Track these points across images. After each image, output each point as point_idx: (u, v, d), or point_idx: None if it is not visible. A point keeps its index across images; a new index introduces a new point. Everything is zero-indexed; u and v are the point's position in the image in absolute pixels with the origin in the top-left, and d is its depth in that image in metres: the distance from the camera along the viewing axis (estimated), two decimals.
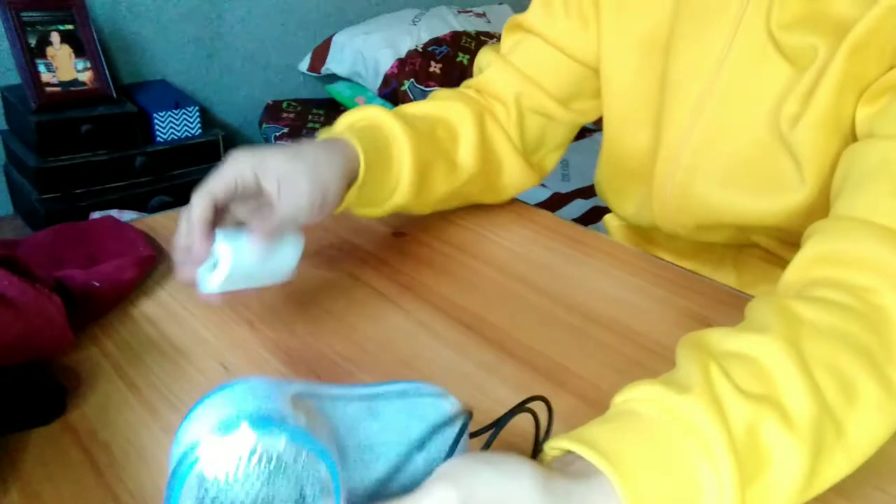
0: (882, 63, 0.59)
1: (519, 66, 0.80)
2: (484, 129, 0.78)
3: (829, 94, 0.61)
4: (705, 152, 0.72)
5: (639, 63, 0.74)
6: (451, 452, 0.39)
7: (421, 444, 0.38)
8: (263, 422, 0.34)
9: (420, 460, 0.40)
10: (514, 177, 0.83)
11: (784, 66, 0.65)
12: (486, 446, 0.40)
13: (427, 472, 0.37)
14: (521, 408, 0.41)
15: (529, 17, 0.81)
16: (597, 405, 0.56)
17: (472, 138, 0.77)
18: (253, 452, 0.34)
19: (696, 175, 0.73)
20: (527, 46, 0.81)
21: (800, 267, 0.53)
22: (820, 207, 0.58)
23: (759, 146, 0.68)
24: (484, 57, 0.85)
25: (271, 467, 0.34)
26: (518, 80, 0.80)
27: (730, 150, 0.70)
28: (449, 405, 0.43)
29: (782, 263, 0.55)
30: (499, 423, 0.40)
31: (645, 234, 0.88)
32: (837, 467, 0.43)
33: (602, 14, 0.75)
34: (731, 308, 0.69)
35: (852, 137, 0.62)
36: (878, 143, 0.57)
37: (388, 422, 0.41)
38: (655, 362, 0.62)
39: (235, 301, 0.67)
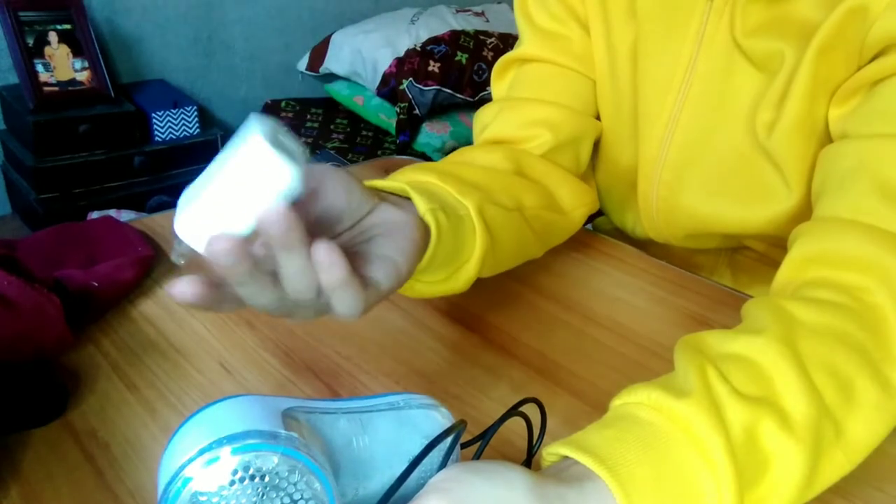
0: (849, 63, 0.59)
1: (528, 95, 0.75)
2: (510, 156, 0.68)
3: (800, 99, 0.61)
4: (685, 166, 0.72)
5: (617, 79, 0.74)
6: (443, 464, 0.39)
7: (416, 461, 0.38)
8: (255, 438, 0.34)
9: (413, 473, 0.40)
10: (573, 195, 0.72)
11: (753, 73, 0.64)
12: (478, 455, 0.40)
13: (419, 485, 0.37)
14: (512, 413, 0.41)
15: (523, 49, 0.76)
16: (595, 405, 0.56)
17: (504, 165, 0.66)
18: (246, 469, 0.34)
19: (679, 189, 0.73)
20: (528, 73, 0.76)
21: (791, 269, 0.54)
22: (810, 212, 0.59)
23: (739, 156, 0.68)
24: (484, 113, 0.76)
25: (265, 483, 0.34)
26: (533, 108, 0.73)
27: (710, 162, 0.70)
28: (440, 416, 0.43)
29: (777, 265, 0.55)
30: (489, 431, 0.40)
31: (638, 245, 0.88)
32: (837, 467, 0.43)
33: (590, 24, 0.74)
34: (729, 308, 0.69)
35: (827, 139, 0.62)
36: (853, 143, 0.57)
37: (381, 435, 0.41)
38: (654, 362, 0.62)
39: None
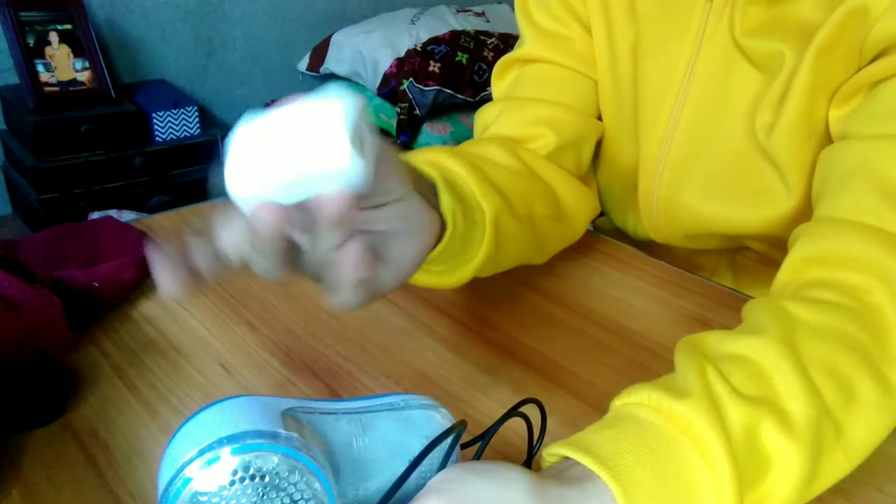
0: (849, 64, 0.59)
1: (530, 95, 0.74)
2: (519, 155, 0.67)
3: (800, 100, 0.61)
4: (685, 166, 0.72)
5: (618, 79, 0.74)
6: (443, 464, 0.39)
7: (416, 462, 0.38)
8: (255, 438, 0.34)
9: (413, 473, 0.40)
10: (576, 201, 0.71)
11: (753, 73, 0.64)
12: (478, 455, 0.40)
13: (419, 486, 0.37)
14: (512, 413, 0.41)
15: (525, 49, 0.76)
16: (596, 405, 0.56)
17: (510, 163, 0.65)
18: (246, 469, 0.34)
19: (679, 189, 0.73)
20: (530, 74, 0.76)
21: (791, 269, 0.54)
22: (810, 214, 0.59)
23: (739, 156, 0.68)
24: (486, 113, 0.76)
25: (265, 483, 0.34)
26: (536, 108, 0.73)
27: (710, 162, 0.70)
28: (440, 416, 0.43)
29: (778, 265, 0.55)
30: (489, 432, 0.40)
31: (639, 246, 0.88)
32: (837, 468, 0.43)
33: (591, 24, 0.74)
34: (729, 309, 0.69)
35: (827, 140, 0.62)
36: (853, 143, 0.57)
37: (381, 436, 0.41)
38: (654, 363, 0.62)
39: (235, 301, 0.67)
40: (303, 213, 0.38)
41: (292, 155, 0.36)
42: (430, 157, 0.56)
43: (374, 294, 0.43)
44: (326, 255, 0.40)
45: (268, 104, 2.43)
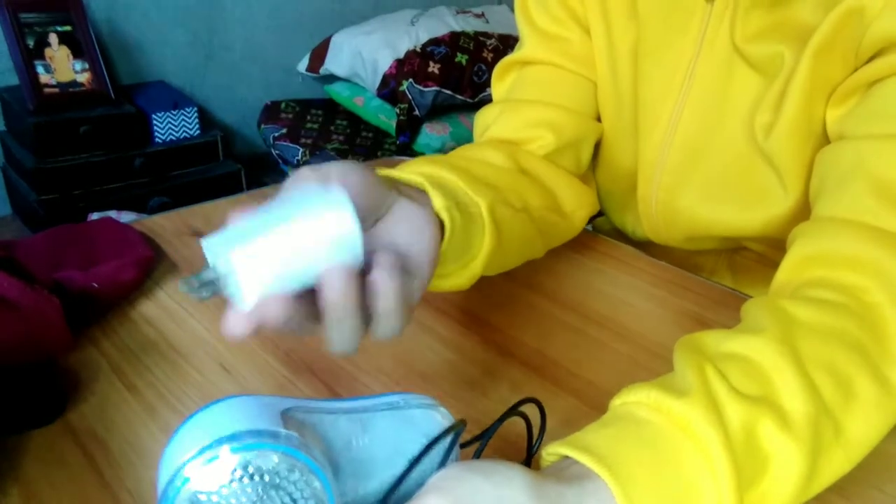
0: (847, 64, 0.59)
1: (529, 97, 0.74)
2: (513, 156, 0.67)
3: (798, 100, 0.61)
4: (684, 170, 0.72)
5: (618, 80, 0.74)
6: (442, 463, 0.39)
7: (416, 461, 0.38)
8: (255, 437, 0.34)
9: (412, 472, 0.40)
10: (574, 197, 0.72)
11: (753, 77, 0.64)
12: (478, 454, 0.40)
13: (419, 484, 0.37)
14: (511, 413, 0.41)
15: (524, 51, 0.76)
16: (595, 405, 0.56)
17: (502, 163, 0.66)
18: (246, 468, 0.34)
19: (678, 192, 0.73)
20: (530, 75, 0.76)
21: (790, 269, 0.54)
22: (807, 214, 0.59)
23: (738, 159, 0.68)
24: (485, 115, 0.76)
25: (265, 482, 0.34)
26: (535, 110, 0.73)
27: (709, 165, 0.70)
28: (440, 416, 0.43)
29: (777, 265, 0.55)
30: (488, 431, 0.40)
31: (638, 246, 0.88)
32: (836, 466, 0.43)
33: (590, 25, 0.74)
34: (728, 308, 0.69)
35: (825, 140, 0.62)
36: (850, 143, 0.57)
37: (380, 435, 0.41)
38: (654, 362, 0.62)
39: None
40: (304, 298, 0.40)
41: (300, 244, 0.39)
42: (414, 168, 0.55)
43: (411, 309, 0.44)
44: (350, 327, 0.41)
45: (267, 105, 2.43)
